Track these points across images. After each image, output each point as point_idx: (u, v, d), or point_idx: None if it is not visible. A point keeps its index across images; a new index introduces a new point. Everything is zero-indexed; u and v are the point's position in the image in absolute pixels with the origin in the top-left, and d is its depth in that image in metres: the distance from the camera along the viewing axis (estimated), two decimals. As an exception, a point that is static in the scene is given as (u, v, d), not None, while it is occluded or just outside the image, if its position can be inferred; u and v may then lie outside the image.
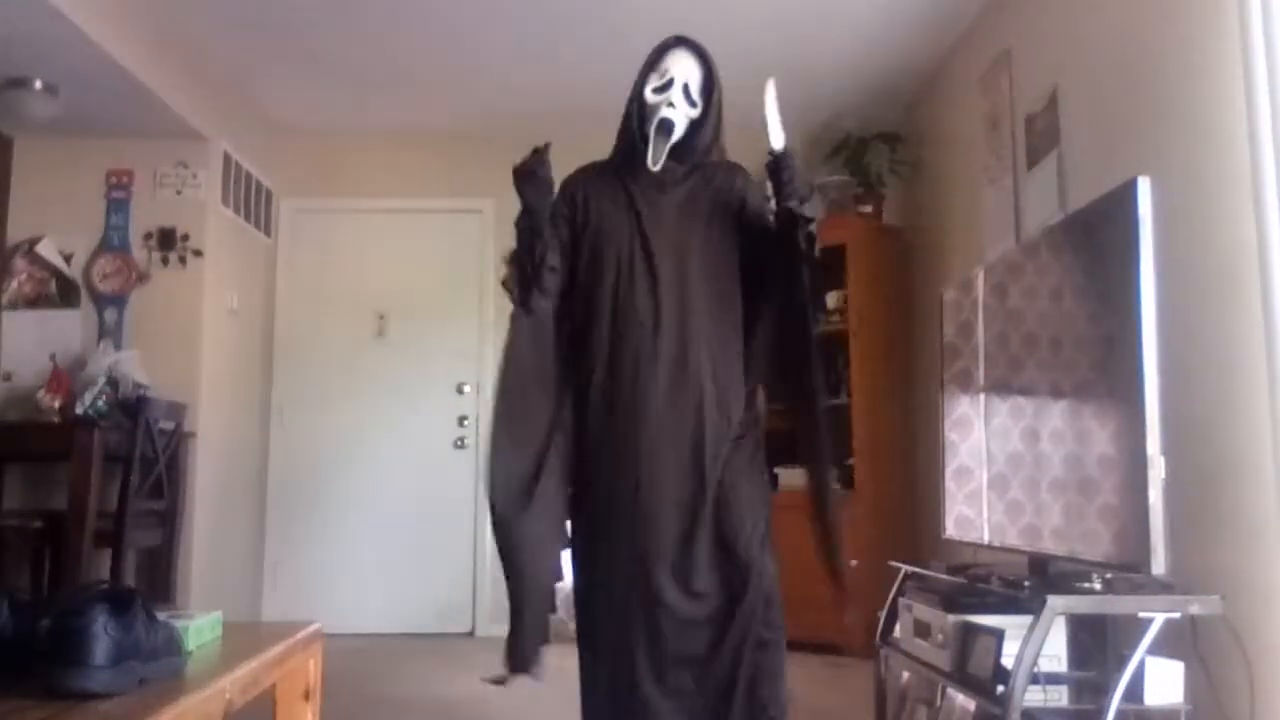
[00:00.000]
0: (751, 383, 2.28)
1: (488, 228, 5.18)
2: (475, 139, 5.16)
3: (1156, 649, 2.03)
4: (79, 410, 3.87)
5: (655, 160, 2.21)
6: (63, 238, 4.37)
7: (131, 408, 3.78)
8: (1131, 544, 2.02)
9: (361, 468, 5.09)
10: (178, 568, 4.12)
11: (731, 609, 2.10)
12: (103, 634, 1.30)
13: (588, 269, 2.27)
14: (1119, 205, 2.11)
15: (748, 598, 2.09)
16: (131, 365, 4.08)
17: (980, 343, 2.80)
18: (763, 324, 2.30)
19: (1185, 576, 2.09)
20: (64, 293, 4.36)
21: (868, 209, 4.82)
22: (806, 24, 4.01)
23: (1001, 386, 2.68)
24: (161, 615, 1.51)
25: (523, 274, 2.24)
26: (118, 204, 4.41)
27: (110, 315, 4.34)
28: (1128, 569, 2.06)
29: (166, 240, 4.38)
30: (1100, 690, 2.19)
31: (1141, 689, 2.08)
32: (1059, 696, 2.29)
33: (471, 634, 5.00)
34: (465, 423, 5.14)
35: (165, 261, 4.38)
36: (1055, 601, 2.03)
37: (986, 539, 2.69)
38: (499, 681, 2.16)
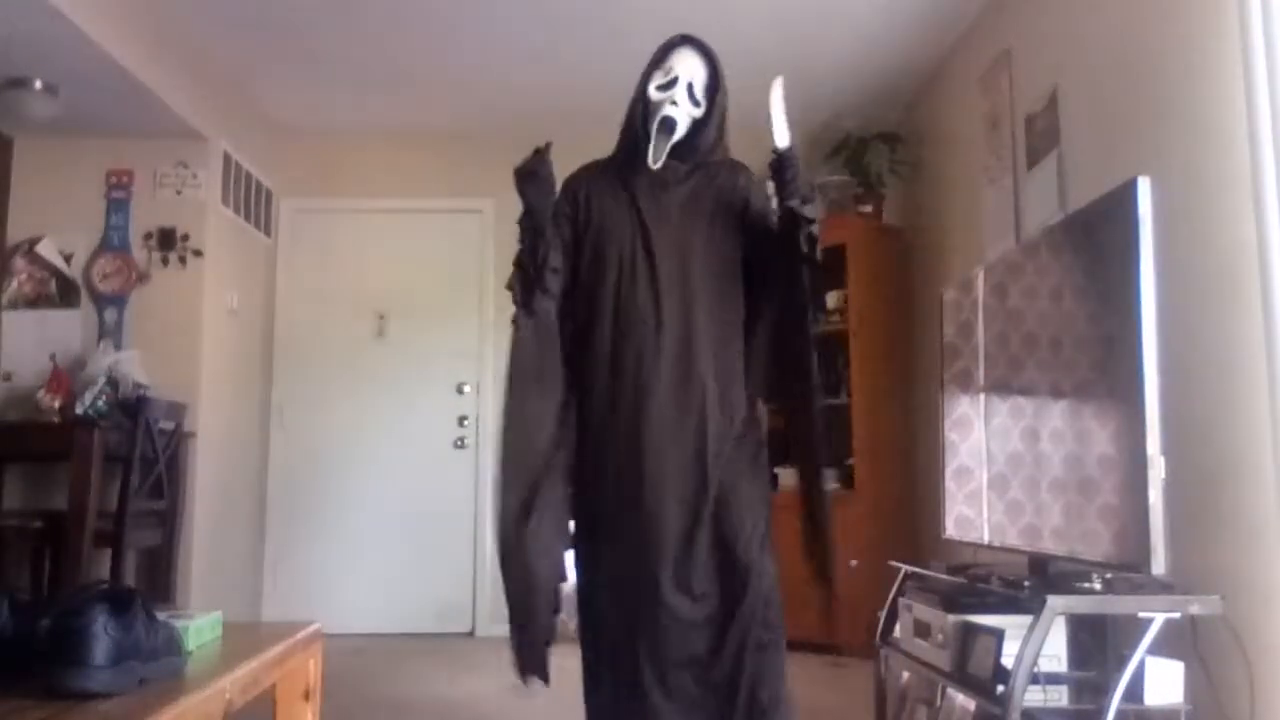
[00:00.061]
0: (751, 382, 2.27)
1: (488, 228, 5.18)
2: (475, 139, 5.16)
3: (1156, 649, 2.03)
4: (79, 410, 3.86)
5: (655, 158, 2.21)
6: (63, 238, 4.37)
7: (131, 408, 3.77)
8: (1131, 544, 2.02)
9: (361, 468, 5.09)
10: (178, 568, 4.11)
11: (731, 610, 2.10)
12: (103, 634, 1.30)
13: (590, 268, 2.27)
14: (1119, 205, 2.11)
15: (747, 599, 2.09)
16: (131, 365, 4.08)
17: (980, 343, 2.80)
18: (763, 323, 2.30)
19: (1185, 576, 2.09)
20: (64, 293, 4.36)
21: (868, 209, 4.83)
22: (806, 24, 4.01)
23: (1001, 386, 2.68)
24: (161, 615, 1.51)
25: (525, 275, 2.24)
26: (118, 204, 4.41)
27: (110, 315, 4.34)
28: (1128, 569, 2.06)
29: (166, 240, 4.38)
30: (1100, 690, 2.19)
31: (1141, 689, 2.08)
32: (1059, 696, 2.29)
33: (471, 634, 5.00)
34: (465, 423, 5.14)
35: (165, 261, 4.38)
36: (1055, 601, 2.03)
37: (986, 539, 2.69)
38: (523, 684, 2.16)
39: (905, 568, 2.78)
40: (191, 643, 1.65)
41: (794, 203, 2.15)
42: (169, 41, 4.05)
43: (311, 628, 2.00)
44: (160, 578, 4.03)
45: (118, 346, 4.25)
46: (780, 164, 2.17)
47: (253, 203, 4.94)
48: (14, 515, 3.96)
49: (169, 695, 1.34)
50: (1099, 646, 2.34)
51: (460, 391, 5.16)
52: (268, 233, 5.14)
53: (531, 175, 2.17)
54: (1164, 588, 2.03)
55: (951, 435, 2.92)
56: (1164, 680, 2.10)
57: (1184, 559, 2.13)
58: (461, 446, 5.14)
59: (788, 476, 3.87)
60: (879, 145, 4.82)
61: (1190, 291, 2.42)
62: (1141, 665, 2.04)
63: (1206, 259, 2.41)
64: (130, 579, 3.87)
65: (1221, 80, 2.37)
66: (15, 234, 4.37)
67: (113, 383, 3.97)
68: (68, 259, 4.37)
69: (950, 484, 2.90)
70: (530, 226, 2.22)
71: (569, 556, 2.24)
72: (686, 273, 2.22)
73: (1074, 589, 2.14)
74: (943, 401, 2.99)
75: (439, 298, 5.22)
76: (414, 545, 5.05)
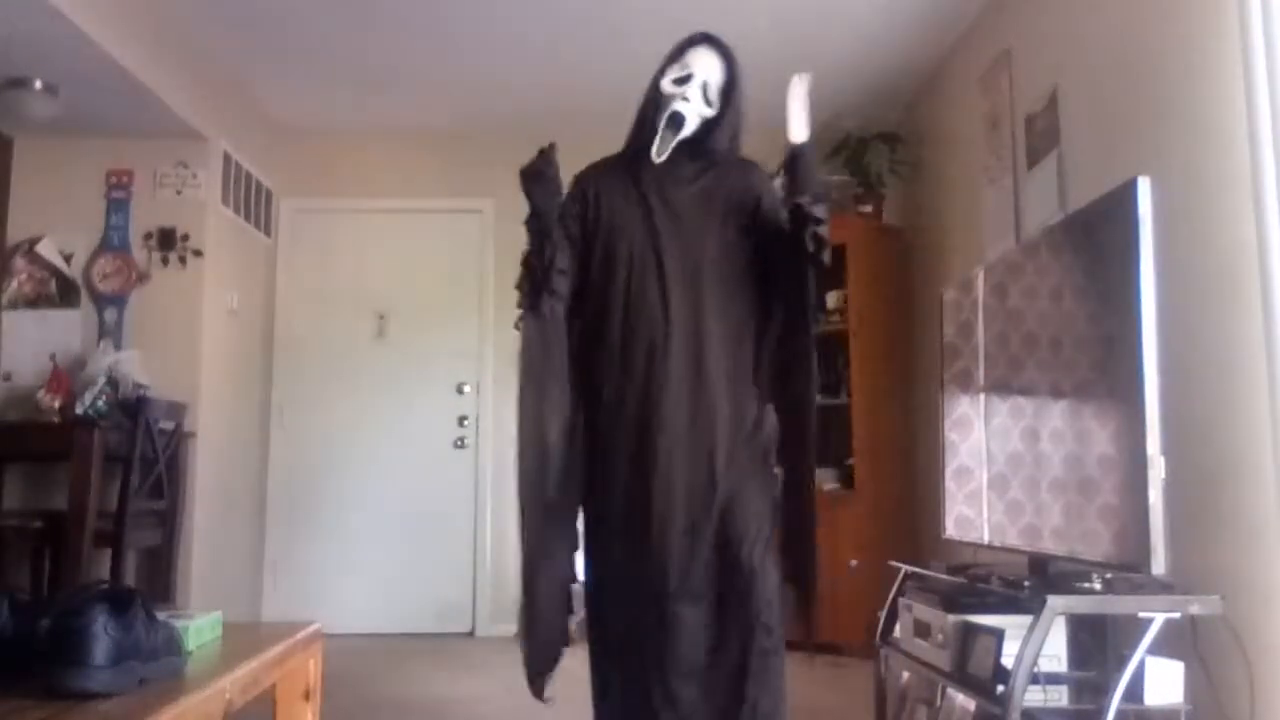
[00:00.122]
0: (760, 383, 2.25)
1: (488, 228, 5.18)
2: (475, 139, 5.16)
3: (1156, 649, 2.03)
4: (79, 410, 3.86)
5: (659, 152, 2.19)
6: (63, 238, 4.37)
7: (131, 408, 3.77)
8: (1131, 544, 2.02)
9: (361, 468, 5.09)
10: (178, 568, 4.11)
11: (734, 615, 2.08)
12: (103, 634, 1.30)
13: (600, 267, 2.25)
14: (1119, 205, 2.11)
15: (751, 604, 2.07)
16: (131, 365, 4.07)
17: (980, 343, 2.81)
18: (773, 324, 2.28)
19: (1185, 576, 2.09)
20: (64, 293, 4.36)
21: (868, 209, 4.83)
22: (806, 24, 4.02)
23: (1001, 386, 2.68)
24: (161, 615, 1.51)
25: (532, 276, 2.22)
26: (118, 204, 4.40)
27: (110, 315, 4.34)
28: (1128, 569, 2.07)
29: (166, 240, 4.38)
30: (1100, 690, 2.19)
31: (1141, 689, 2.08)
32: (1059, 696, 2.29)
33: (471, 634, 5.00)
34: (465, 423, 5.14)
35: (165, 261, 4.38)
36: (1055, 601, 2.03)
37: (986, 539, 2.69)
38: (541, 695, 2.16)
39: (905, 568, 2.78)
40: (191, 643, 1.65)
41: (803, 200, 2.13)
42: (169, 41, 4.05)
43: (311, 628, 2.00)
44: (160, 578, 4.03)
45: (118, 346, 4.25)
46: (793, 160, 2.16)
47: (253, 203, 4.94)
48: (14, 515, 3.95)
49: (169, 695, 1.34)
50: (1099, 646, 2.34)
51: (460, 391, 5.16)
52: (268, 233, 5.14)
53: (537, 176, 2.16)
54: (1164, 588, 2.03)
55: (951, 435, 2.92)
56: (1164, 680, 2.10)
57: (1184, 559, 2.13)
58: (461, 446, 5.14)
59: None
60: (879, 145, 4.82)
61: (1190, 291, 2.42)
62: (1141, 665, 2.04)
63: (1206, 259, 2.41)
64: (130, 579, 3.87)
65: (1221, 80, 2.37)
66: (15, 234, 4.37)
67: (113, 383, 3.97)
68: (68, 259, 4.37)
69: (950, 484, 2.90)
70: (537, 227, 2.21)
71: (578, 557, 2.24)
72: (697, 272, 2.20)
73: (1074, 589, 2.14)
74: (943, 401, 2.99)
75: (439, 298, 5.22)
76: (414, 545, 5.05)
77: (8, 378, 4.24)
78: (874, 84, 4.62)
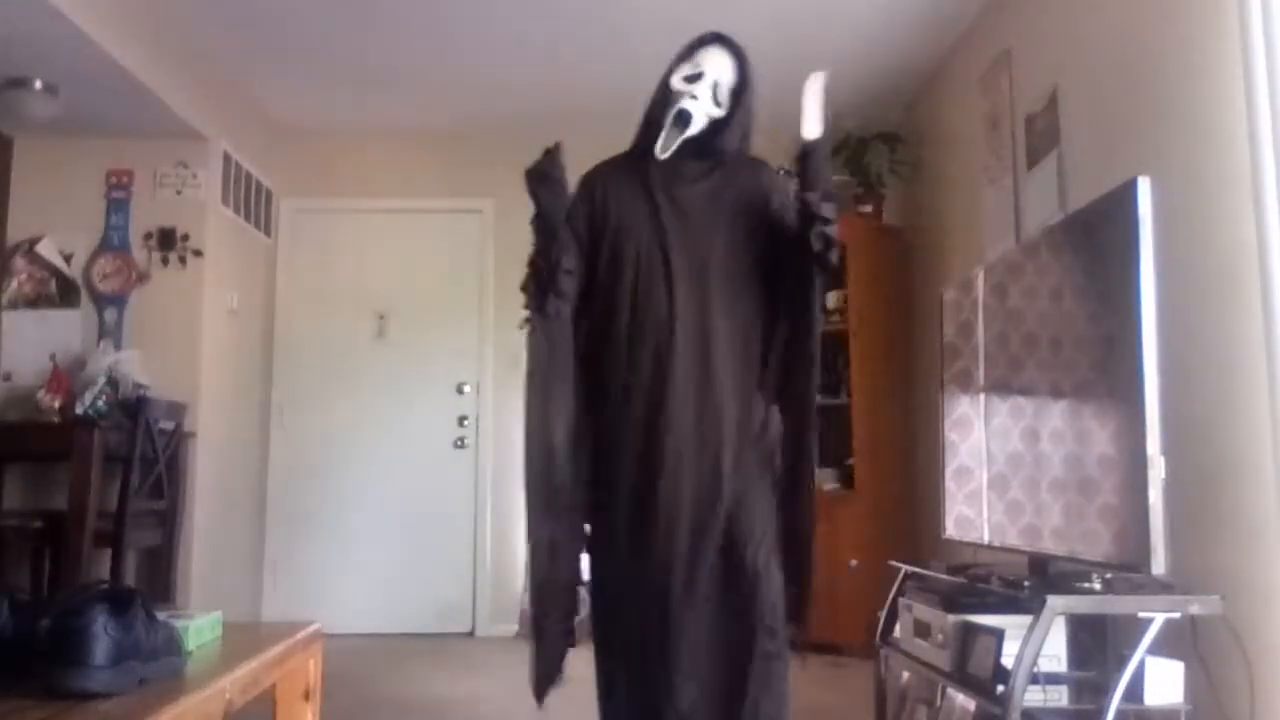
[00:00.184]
0: (766, 384, 2.23)
1: (488, 228, 5.19)
2: (475, 139, 5.17)
3: (1156, 649, 2.03)
4: (79, 410, 3.86)
5: (663, 148, 2.18)
6: (63, 238, 4.37)
7: (131, 408, 3.77)
8: (1131, 544, 2.02)
9: (361, 468, 5.09)
10: (178, 568, 4.11)
11: (738, 617, 2.07)
12: (103, 634, 1.30)
13: (608, 266, 2.23)
14: (1119, 205, 2.11)
15: (755, 607, 2.06)
16: (131, 365, 4.08)
17: (980, 343, 2.81)
18: (780, 324, 2.26)
19: (1185, 576, 2.09)
20: (64, 293, 4.36)
21: (868, 209, 4.83)
22: (806, 24, 4.02)
23: (1001, 386, 2.68)
24: (161, 615, 1.51)
25: (538, 277, 2.21)
26: (118, 204, 4.41)
27: (110, 315, 4.34)
28: (1128, 569, 2.07)
29: (166, 240, 4.38)
30: (1100, 690, 2.19)
31: (1141, 689, 2.08)
32: (1059, 696, 2.29)
33: (471, 634, 5.00)
34: (465, 423, 5.14)
35: (165, 261, 4.38)
36: (1055, 601, 2.03)
37: (986, 539, 2.69)
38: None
39: (905, 568, 2.78)
40: (191, 643, 1.65)
41: (812, 197, 2.11)
42: (169, 41, 4.05)
43: (311, 628, 2.00)
44: (160, 578, 4.03)
45: (118, 346, 4.25)
46: (805, 156, 2.15)
47: (253, 203, 4.94)
48: (14, 515, 3.95)
49: (169, 695, 1.34)
50: (1099, 646, 2.34)
51: (460, 391, 5.16)
52: (268, 233, 5.14)
53: (543, 176, 2.15)
54: (1164, 588, 2.03)
55: (951, 435, 2.92)
56: (1164, 680, 2.10)
57: (1184, 559, 2.13)
58: (461, 446, 5.14)
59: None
60: (879, 145, 4.82)
61: (1190, 291, 2.42)
62: (1141, 665, 2.04)
63: (1206, 259, 2.41)
64: (130, 579, 3.87)
65: (1221, 80, 2.37)
66: (15, 234, 4.37)
67: (113, 383, 3.97)
68: (68, 259, 4.37)
69: (950, 484, 2.90)
70: (543, 228, 2.19)
71: (584, 558, 2.23)
72: (704, 271, 2.18)
73: (1074, 589, 2.14)
74: (943, 401, 2.99)
75: (439, 298, 5.22)
76: (414, 545, 5.05)
77: (8, 378, 4.24)
78: (874, 84, 4.62)
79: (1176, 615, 2.00)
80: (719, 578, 2.09)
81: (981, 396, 2.78)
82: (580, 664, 2.22)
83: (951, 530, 2.89)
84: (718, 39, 2.27)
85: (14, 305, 4.33)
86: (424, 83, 4.69)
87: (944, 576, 2.53)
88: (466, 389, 5.16)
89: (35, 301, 4.35)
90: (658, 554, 2.09)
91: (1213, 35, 2.41)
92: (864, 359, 4.57)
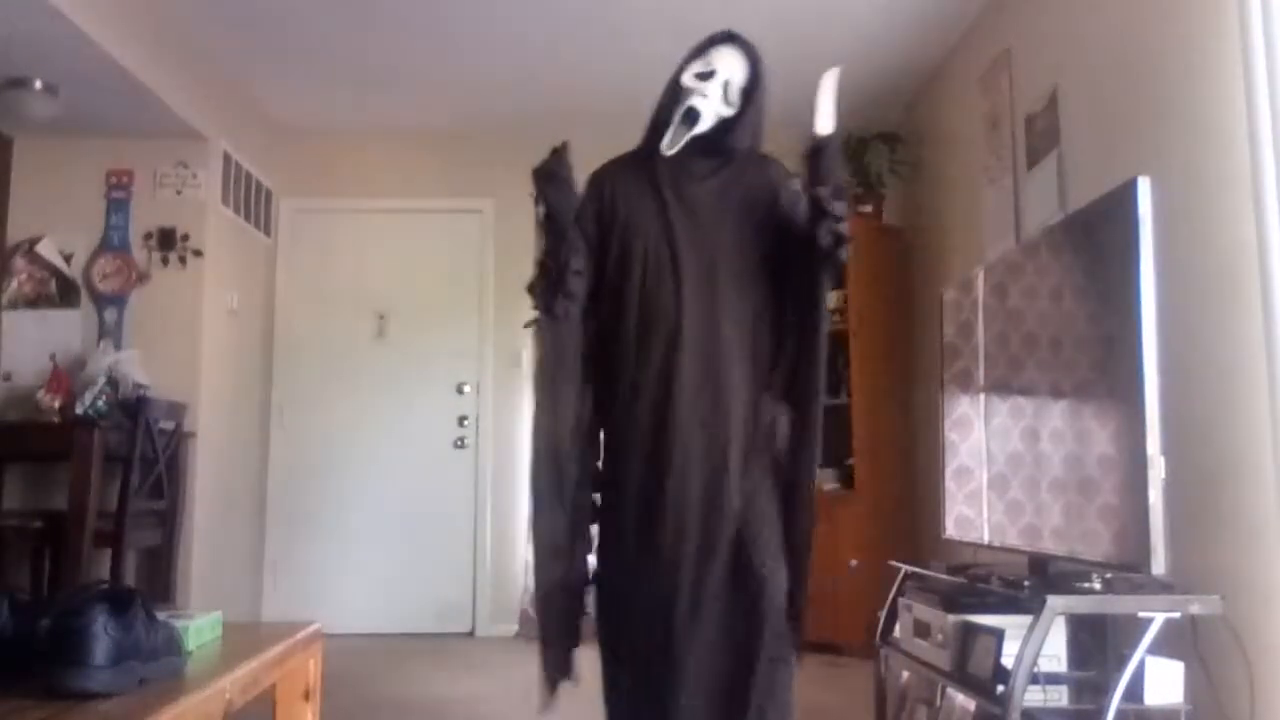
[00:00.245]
0: (774, 384, 2.21)
1: (488, 228, 5.19)
2: (475, 139, 5.17)
3: (1156, 649, 2.03)
4: (79, 410, 3.86)
5: (670, 145, 2.16)
6: (63, 238, 4.37)
7: (131, 408, 3.78)
8: (1131, 544, 2.02)
9: (361, 468, 5.09)
10: (178, 568, 4.11)
11: (745, 621, 2.06)
12: (103, 634, 1.30)
13: (616, 265, 2.22)
14: (1119, 205, 2.11)
15: (761, 611, 2.05)
16: (131, 365, 4.08)
17: (980, 343, 2.81)
18: (789, 322, 2.23)
19: (1185, 576, 2.10)
20: (64, 293, 4.36)
21: (868, 209, 4.83)
22: (806, 24, 4.01)
23: (1001, 386, 2.68)
24: (161, 615, 1.51)
25: (547, 277, 2.20)
26: (118, 204, 4.41)
27: (110, 315, 4.34)
28: (1128, 569, 2.07)
29: (166, 240, 4.38)
30: (1100, 690, 2.19)
31: (1141, 689, 2.08)
32: (1059, 696, 2.29)
33: (471, 634, 5.00)
34: (465, 423, 5.14)
35: (165, 261, 4.38)
36: (1055, 601, 2.03)
37: (986, 539, 2.69)
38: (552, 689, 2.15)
39: (905, 568, 2.78)
40: (191, 643, 1.65)
41: (823, 192, 2.09)
42: (169, 41, 4.05)
43: (311, 628, 2.00)
44: (160, 578, 4.03)
45: (118, 346, 4.25)
46: (816, 151, 2.13)
47: (253, 203, 4.94)
48: (14, 515, 3.96)
49: (169, 695, 1.34)
50: (1099, 646, 2.34)
51: (460, 391, 5.16)
52: (268, 233, 5.14)
53: (551, 175, 2.13)
54: (1164, 588, 2.03)
55: (951, 435, 2.92)
56: (1164, 680, 2.10)
57: (1184, 559, 2.13)
58: (461, 446, 5.14)
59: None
60: (879, 145, 4.82)
61: (1190, 291, 2.42)
62: (1141, 665, 2.04)
63: (1206, 259, 2.41)
64: (130, 579, 3.87)
65: (1221, 80, 2.37)
66: (15, 234, 4.37)
67: (113, 383, 3.97)
68: (68, 259, 4.37)
69: (950, 484, 2.90)
70: (552, 228, 2.18)
71: (591, 559, 2.22)
72: (712, 268, 2.17)
73: (1074, 589, 2.14)
74: (943, 401, 2.99)
75: (439, 298, 5.22)
76: (414, 545, 5.05)
77: (8, 378, 4.24)
78: (874, 84, 4.62)
79: (1176, 615, 2.00)
80: (728, 578, 2.07)
81: (981, 396, 2.78)
82: (587, 665, 2.22)
83: (951, 530, 2.89)
84: (731, 38, 2.25)
85: (14, 305, 4.33)
86: (424, 83, 4.69)
87: (944, 576, 2.53)
88: (466, 389, 5.16)
89: (35, 301, 4.35)
90: (665, 553, 2.08)
91: (1213, 35, 2.41)
92: (864, 359, 4.57)
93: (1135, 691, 2.06)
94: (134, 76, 3.80)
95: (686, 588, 2.06)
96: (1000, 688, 2.03)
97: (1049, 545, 2.36)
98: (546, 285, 2.19)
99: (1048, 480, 2.40)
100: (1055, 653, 2.29)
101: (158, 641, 1.43)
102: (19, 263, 4.35)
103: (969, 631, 2.24)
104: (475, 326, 5.18)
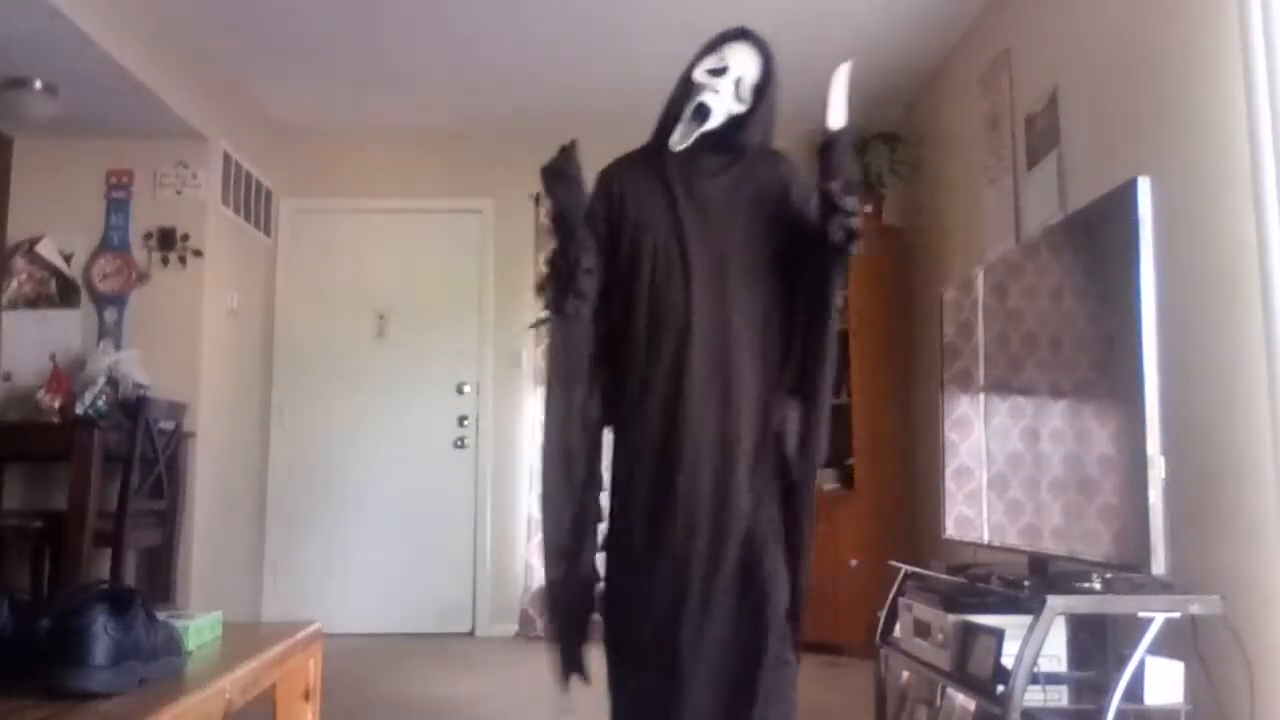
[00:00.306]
0: (785, 381, 2.19)
1: (488, 228, 5.19)
2: (475, 139, 5.17)
3: (1156, 649, 2.03)
4: (79, 410, 3.86)
5: (679, 140, 2.16)
6: (63, 238, 4.37)
7: (131, 408, 3.77)
8: (1131, 544, 2.02)
9: (361, 468, 5.09)
10: (178, 568, 4.11)
11: (751, 620, 2.05)
12: (103, 634, 1.30)
13: (627, 262, 2.21)
14: (1119, 205, 2.11)
15: (767, 611, 2.04)
16: (131, 365, 4.08)
17: (980, 343, 2.81)
18: (798, 321, 2.22)
19: (1185, 576, 2.10)
20: (64, 293, 4.36)
21: (868, 209, 4.82)
22: (806, 24, 4.01)
23: (1001, 386, 2.68)
24: (161, 615, 1.51)
25: (558, 277, 2.19)
26: (118, 204, 4.41)
27: (110, 315, 4.34)
28: (1128, 569, 2.07)
29: (166, 240, 4.38)
30: (1100, 690, 2.19)
31: (1141, 689, 2.08)
32: (1059, 696, 2.29)
33: (471, 634, 5.00)
34: (465, 423, 5.14)
35: (165, 261, 4.38)
36: (1055, 601, 2.03)
37: (986, 539, 2.69)
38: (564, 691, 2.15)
39: (905, 568, 2.78)
40: (191, 643, 1.65)
41: (834, 186, 2.08)
42: (169, 41, 4.05)
43: (311, 628, 2.00)
44: (160, 578, 4.03)
45: (118, 346, 4.25)
46: (828, 146, 2.12)
47: (253, 203, 4.94)
48: (14, 515, 3.95)
49: (169, 695, 1.34)
50: (1099, 646, 2.34)
51: (460, 391, 5.16)
52: (268, 233, 5.14)
53: (560, 174, 2.12)
54: (1164, 588, 2.03)
55: (951, 435, 2.92)
56: (1164, 680, 2.10)
57: (1184, 559, 2.13)
58: (461, 446, 5.14)
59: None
60: (879, 145, 4.82)
61: (1190, 291, 2.42)
62: (1141, 665, 2.04)
63: (1206, 259, 2.41)
64: (130, 579, 3.87)
65: (1221, 80, 2.37)
66: (15, 234, 4.37)
67: (113, 383, 3.97)
68: (68, 259, 4.37)
69: (950, 484, 2.90)
70: (562, 227, 2.16)
71: (600, 557, 2.22)
72: (723, 265, 2.16)
73: (1074, 589, 2.14)
74: (943, 401, 2.99)
75: (439, 298, 5.22)
76: (414, 545, 5.05)
77: (8, 378, 4.24)
78: (874, 84, 4.62)
79: (1176, 615, 2.00)
80: (738, 575, 2.07)
81: (981, 396, 2.78)
82: (596, 665, 2.22)
83: (951, 530, 2.89)
84: (744, 34, 2.24)
85: (14, 305, 4.33)
86: (424, 83, 4.69)
87: (944, 576, 2.53)
88: (466, 389, 5.16)
89: (35, 301, 4.35)
90: (675, 550, 2.07)
91: (1213, 35, 2.41)
92: (864, 359, 4.57)
93: (1135, 691, 2.06)
94: (134, 76, 3.80)
95: (697, 584, 2.05)
96: (1000, 688, 2.03)
97: (1049, 545, 2.37)
98: (557, 284, 2.18)
99: (1048, 480, 2.40)
100: (1055, 653, 2.29)
101: (158, 641, 1.43)
102: (19, 263, 4.35)
103: (969, 631, 2.24)
104: (475, 326, 5.18)
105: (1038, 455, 2.46)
